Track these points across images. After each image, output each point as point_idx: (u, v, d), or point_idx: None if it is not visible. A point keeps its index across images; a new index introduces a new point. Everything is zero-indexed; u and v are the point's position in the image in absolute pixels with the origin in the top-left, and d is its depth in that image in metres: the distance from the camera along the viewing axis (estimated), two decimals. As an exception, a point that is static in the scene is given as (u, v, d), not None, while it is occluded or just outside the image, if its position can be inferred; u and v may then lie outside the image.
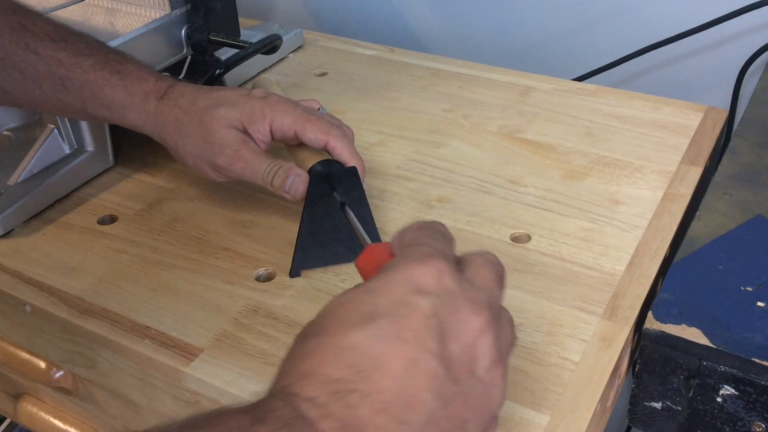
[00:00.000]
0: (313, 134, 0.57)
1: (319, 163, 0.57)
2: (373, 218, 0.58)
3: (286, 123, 0.58)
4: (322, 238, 0.57)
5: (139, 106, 0.59)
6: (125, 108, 0.59)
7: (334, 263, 0.58)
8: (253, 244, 0.61)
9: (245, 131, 0.58)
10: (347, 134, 0.60)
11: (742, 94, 0.83)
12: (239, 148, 0.57)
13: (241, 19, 0.80)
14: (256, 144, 0.58)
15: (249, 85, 0.83)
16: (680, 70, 0.87)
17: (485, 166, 0.69)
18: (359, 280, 0.57)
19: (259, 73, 0.86)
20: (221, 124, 0.57)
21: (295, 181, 0.55)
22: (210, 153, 0.57)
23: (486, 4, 0.94)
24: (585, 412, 0.46)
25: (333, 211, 0.56)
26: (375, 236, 0.58)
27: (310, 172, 0.56)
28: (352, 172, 0.57)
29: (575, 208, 0.63)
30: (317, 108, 0.64)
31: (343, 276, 0.58)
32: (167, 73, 0.75)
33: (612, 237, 0.60)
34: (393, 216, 0.62)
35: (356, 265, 0.43)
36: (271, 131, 0.58)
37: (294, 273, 0.58)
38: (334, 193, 0.56)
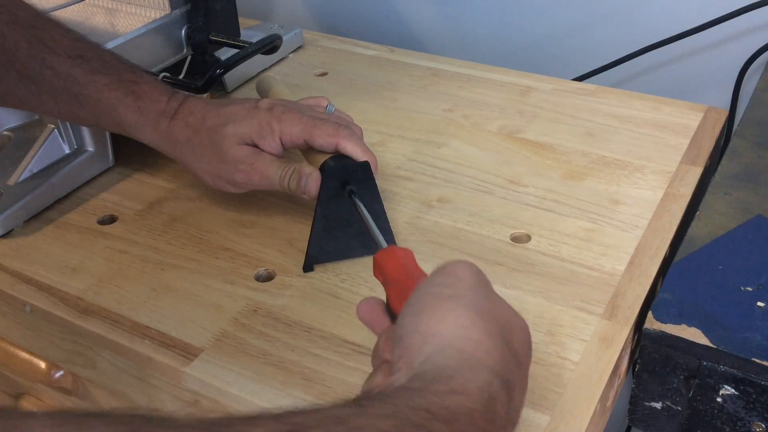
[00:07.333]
0: (323, 139, 0.58)
1: (331, 158, 0.58)
2: (385, 212, 0.59)
3: (295, 133, 0.58)
4: (335, 232, 0.57)
5: (151, 126, 0.60)
6: (138, 127, 0.60)
7: (347, 257, 0.59)
8: (253, 244, 0.61)
9: (256, 145, 0.59)
10: (356, 133, 0.60)
11: (742, 94, 0.83)
12: (253, 162, 0.58)
13: (241, 19, 0.80)
14: (269, 154, 0.59)
15: (252, 84, 0.83)
16: (680, 70, 0.87)
17: (485, 166, 0.69)
18: (359, 279, 0.57)
19: (259, 74, 0.86)
20: (232, 143, 0.58)
21: (308, 182, 0.56)
22: (227, 171, 0.59)
23: (486, 4, 0.94)
24: (585, 412, 0.46)
25: (346, 206, 0.56)
26: (387, 230, 0.58)
27: (323, 167, 0.57)
28: (365, 166, 0.57)
29: (575, 208, 0.63)
30: (325, 105, 0.64)
31: (344, 276, 0.58)
32: (181, 83, 0.74)
33: (612, 237, 0.60)
34: (393, 216, 0.62)
35: (374, 260, 0.44)
36: (281, 143, 0.59)
37: (307, 267, 0.58)
38: (347, 187, 0.56)
